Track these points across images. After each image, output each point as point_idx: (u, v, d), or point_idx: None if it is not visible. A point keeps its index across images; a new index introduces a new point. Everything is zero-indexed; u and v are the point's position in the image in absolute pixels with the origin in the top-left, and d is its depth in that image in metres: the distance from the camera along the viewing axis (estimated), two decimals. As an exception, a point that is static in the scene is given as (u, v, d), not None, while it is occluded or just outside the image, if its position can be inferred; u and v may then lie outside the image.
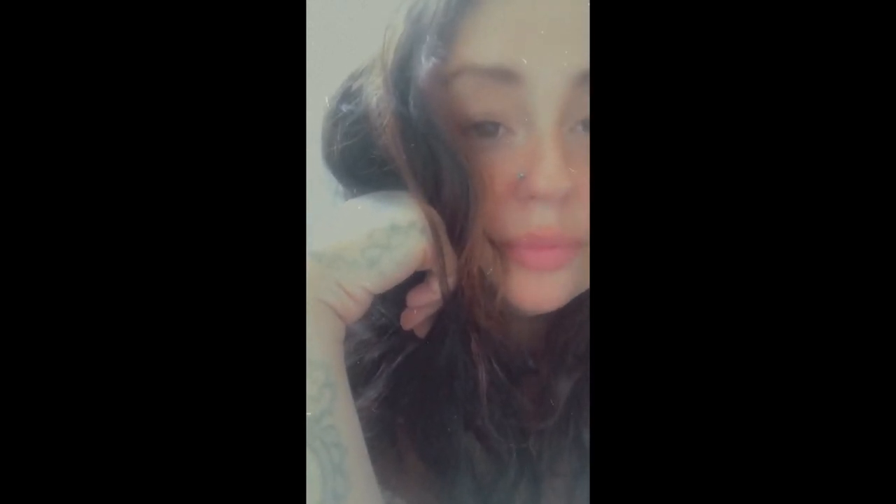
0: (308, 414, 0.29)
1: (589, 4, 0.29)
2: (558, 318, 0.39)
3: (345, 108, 0.36)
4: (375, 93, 0.34)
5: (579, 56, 0.30)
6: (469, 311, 0.34)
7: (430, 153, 0.33)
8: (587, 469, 0.38)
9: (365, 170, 0.35)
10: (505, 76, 0.31)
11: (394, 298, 0.36)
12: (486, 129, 0.34)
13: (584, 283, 0.36)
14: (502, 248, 0.35)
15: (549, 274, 0.35)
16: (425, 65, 0.31)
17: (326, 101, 0.38)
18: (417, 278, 0.35)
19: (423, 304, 0.35)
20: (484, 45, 0.31)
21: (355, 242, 0.32)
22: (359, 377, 0.36)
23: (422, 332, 0.37)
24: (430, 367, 0.36)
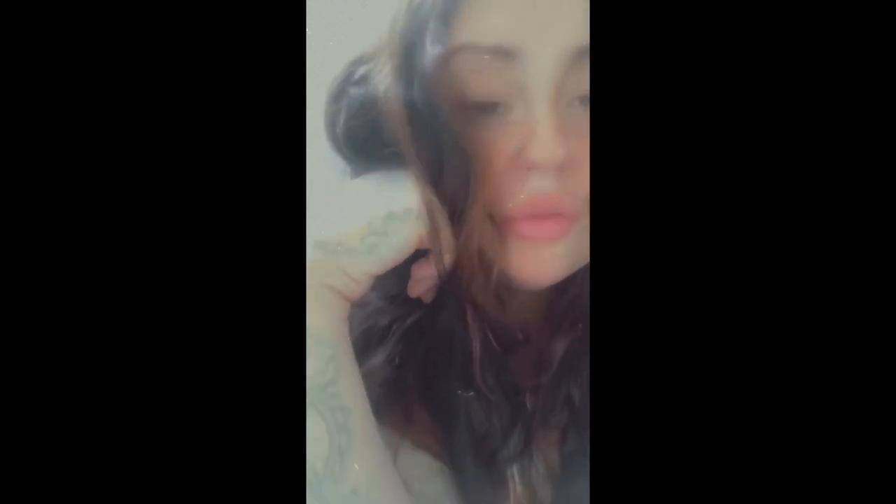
0: (315, 382, 0.33)
1: None
2: (556, 293, 0.42)
3: (352, 91, 0.38)
4: (383, 80, 0.35)
5: (575, 33, 0.32)
6: (467, 287, 0.36)
7: (434, 136, 0.34)
8: (577, 424, 0.42)
9: (370, 149, 0.37)
10: (503, 54, 0.33)
11: (404, 273, 0.39)
12: (486, 107, 0.35)
13: (582, 258, 0.38)
14: (502, 224, 0.37)
15: (547, 246, 0.36)
16: (430, 51, 0.33)
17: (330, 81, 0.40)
18: (421, 252, 0.37)
19: (425, 277, 0.38)
20: (482, 25, 0.33)
21: (355, 230, 0.34)
22: (372, 339, 0.40)
23: (428, 299, 0.40)
24: (433, 333, 0.40)
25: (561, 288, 0.41)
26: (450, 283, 0.37)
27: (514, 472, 0.43)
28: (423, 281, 0.38)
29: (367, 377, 0.37)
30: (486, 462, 0.41)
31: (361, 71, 0.38)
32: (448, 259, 0.36)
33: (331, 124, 0.40)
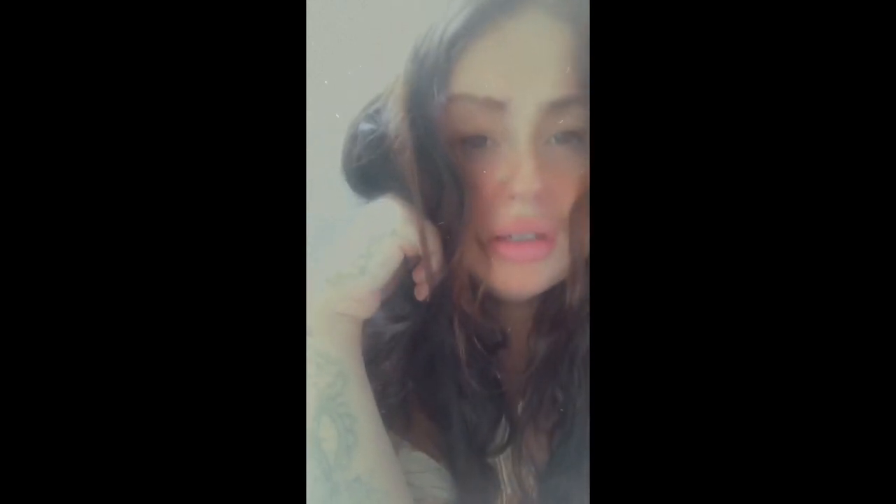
0: (325, 393, 0.41)
1: (558, 48, 0.40)
2: (537, 302, 0.48)
3: (365, 127, 0.45)
4: (394, 119, 0.43)
5: (552, 89, 0.40)
6: (456, 300, 0.44)
7: (434, 168, 0.41)
8: (563, 424, 0.48)
9: (378, 181, 0.44)
10: (493, 104, 0.40)
11: (406, 294, 0.46)
12: (476, 142, 0.43)
13: (560, 274, 0.44)
14: (489, 246, 0.43)
15: (529, 265, 0.43)
16: (436, 97, 0.41)
17: (338, 115, 0.48)
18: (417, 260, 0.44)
19: (423, 281, 0.44)
20: (476, 79, 0.41)
21: (347, 261, 0.42)
22: (379, 352, 0.47)
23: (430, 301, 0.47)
24: (427, 341, 0.47)
25: (541, 298, 0.47)
26: (441, 294, 0.44)
27: (503, 469, 0.49)
28: (423, 285, 0.44)
29: (375, 384, 0.44)
30: (477, 456, 0.48)
31: (373, 109, 0.46)
32: (437, 273, 0.43)
33: (347, 159, 0.47)
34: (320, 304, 0.41)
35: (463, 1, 0.41)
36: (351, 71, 0.46)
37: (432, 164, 0.42)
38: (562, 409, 0.48)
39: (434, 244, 0.42)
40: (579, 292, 0.43)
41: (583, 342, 0.46)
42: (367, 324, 0.44)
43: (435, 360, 0.47)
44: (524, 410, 0.48)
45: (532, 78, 0.40)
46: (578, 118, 0.41)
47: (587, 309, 0.43)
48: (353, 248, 0.42)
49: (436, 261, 0.43)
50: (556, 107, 0.40)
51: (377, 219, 0.43)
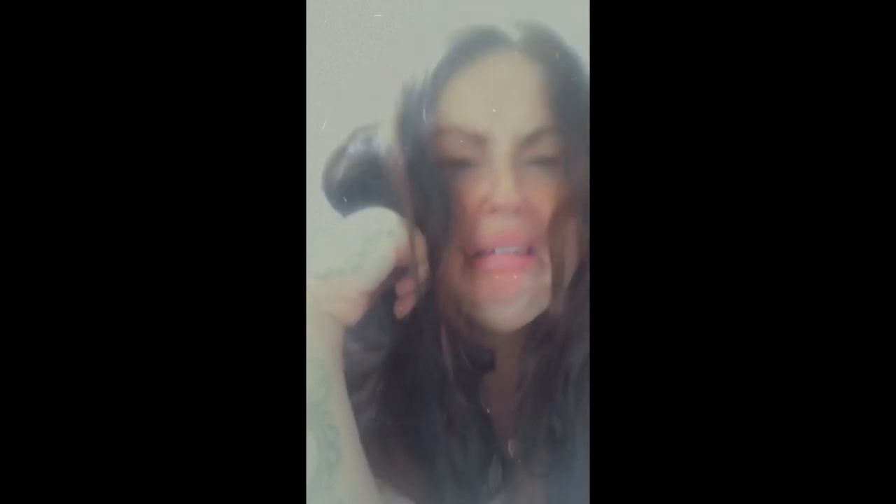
0: (309, 400, 0.38)
1: (531, 80, 0.44)
2: (524, 336, 0.49)
3: (352, 149, 0.48)
4: (384, 142, 0.46)
5: (527, 122, 0.44)
6: (442, 311, 0.44)
7: (422, 186, 0.44)
8: (563, 462, 0.47)
9: (360, 199, 0.46)
10: (475, 137, 0.45)
11: (380, 324, 0.48)
12: (461, 164, 0.46)
13: (544, 289, 0.45)
14: (473, 259, 0.45)
15: (512, 276, 0.44)
16: (425, 120, 0.44)
17: (324, 125, 0.50)
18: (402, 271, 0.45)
19: (408, 292, 0.45)
20: (459, 113, 0.45)
21: (341, 257, 0.42)
22: (354, 380, 0.45)
23: (410, 317, 0.47)
24: (409, 367, 0.46)
25: (529, 328, 0.47)
26: (426, 308, 0.44)
27: None
28: (407, 298, 0.45)
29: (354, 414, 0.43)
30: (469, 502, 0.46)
31: (364, 134, 0.48)
32: (424, 272, 0.44)
33: (329, 179, 0.49)
34: (308, 301, 0.40)
35: (445, 41, 0.46)
36: (324, 125, 0.50)
37: (421, 182, 0.44)
38: (559, 440, 0.47)
39: (422, 254, 0.44)
40: (563, 302, 0.44)
41: (576, 359, 0.46)
42: (343, 350, 0.43)
43: (417, 386, 0.46)
44: (515, 447, 0.48)
45: (509, 114, 0.44)
46: (553, 146, 0.44)
47: (581, 321, 0.45)
48: (347, 245, 0.42)
49: (423, 270, 0.44)
50: (531, 138, 0.44)
51: (372, 219, 0.44)
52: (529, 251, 0.45)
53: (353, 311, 0.42)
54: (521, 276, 0.44)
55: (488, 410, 0.47)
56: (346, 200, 0.47)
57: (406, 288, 0.45)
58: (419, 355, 0.46)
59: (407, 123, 0.45)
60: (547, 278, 0.45)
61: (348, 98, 0.49)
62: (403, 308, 0.45)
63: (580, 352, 0.46)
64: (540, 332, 0.47)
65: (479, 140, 0.44)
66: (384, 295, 0.45)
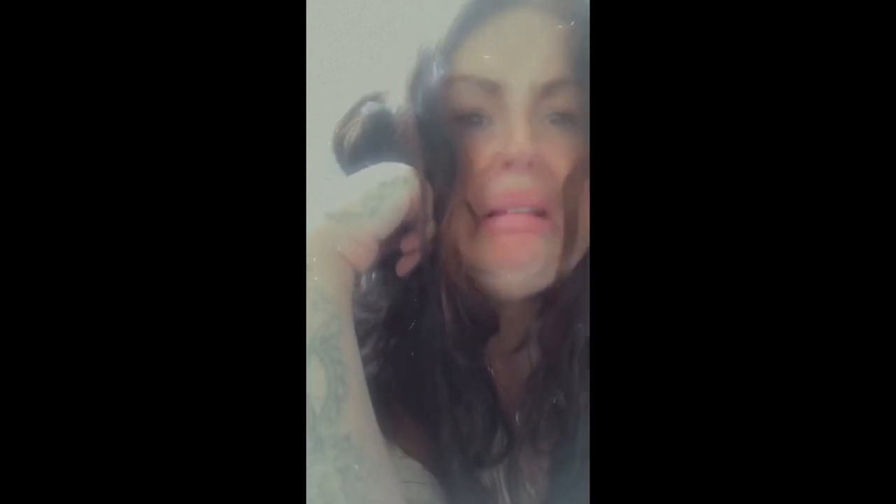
0: (319, 334, 0.38)
1: (551, 33, 0.43)
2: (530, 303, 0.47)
3: (364, 109, 0.47)
4: (396, 101, 0.45)
5: (545, 71, 0.42)
6: (442, 268, 0.43)
7: (433, 142, 0.43)
8: (566, 432, 0.46)
9: (369, 159, 0.45)
10: (489, 85, 0.43)
11: (382, 283, 0.47)
12: (473, 119, 0.45)
13: (556, 253, 0.44)
14: (484, 220, 0.44)
15: (523, 237, 0.43)
16: (436, 75, 0.43)
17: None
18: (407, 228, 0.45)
19: (413, 250, 0.44)
20: (476, 61, 0.44)
21: (357, 199, 0.41)
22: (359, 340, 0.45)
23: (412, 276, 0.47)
24: (411, 327, 0.46)
25: (536, 296, 0.46)
26: (430, 265, 0.44)
27: (501, 485, 0.47)
28: (411, 256, 0.44)
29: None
30: (472, 468, 0.45)
31: (374, 94, 0.48)
32: (431, 228, 0.43)
33: (339, 141, 0.48)
34: (322, 240, 0.39)
35: (459, 2, 0.44)
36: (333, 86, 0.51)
37: (432, 138, 0.43)
38: (562, 414, 0.46)
39: (431, 210, 0.43)
40: (574, 263, 0.43)
41: (583, 328, 0.44)
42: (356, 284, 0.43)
43: (419, 347, 0.45)
44: (522, 418, 0.47)
45: (526, 60, 0.42)
46: (572, 100, 0.42)
47: (586, 292, 0.43)
48: (363, 187, 0.41)
49: (430, 228, 0.43)
50: (550, 88, 0.42)
51: (388, 167, 0.43)
52: (543, 213, 0.43)
53: (364, 255, 0.41)
54: (534, 239, 0.43)
55: (490, 369, 0.46)
56: (357, 163, 0.45)
57: (411, 245, 0.44)
58: (421, 315, 0.45)
59: (419, 80, 0.44)
60: (560, 244, 0.43)
61: (348, 98, 0.49)
62: (407, 266, 0.45)
63: (587, 322, 0.43)
64: (546, 301, 0.46)
65: (493, 88, 0.43)
66: (386, 260, 0.45)
